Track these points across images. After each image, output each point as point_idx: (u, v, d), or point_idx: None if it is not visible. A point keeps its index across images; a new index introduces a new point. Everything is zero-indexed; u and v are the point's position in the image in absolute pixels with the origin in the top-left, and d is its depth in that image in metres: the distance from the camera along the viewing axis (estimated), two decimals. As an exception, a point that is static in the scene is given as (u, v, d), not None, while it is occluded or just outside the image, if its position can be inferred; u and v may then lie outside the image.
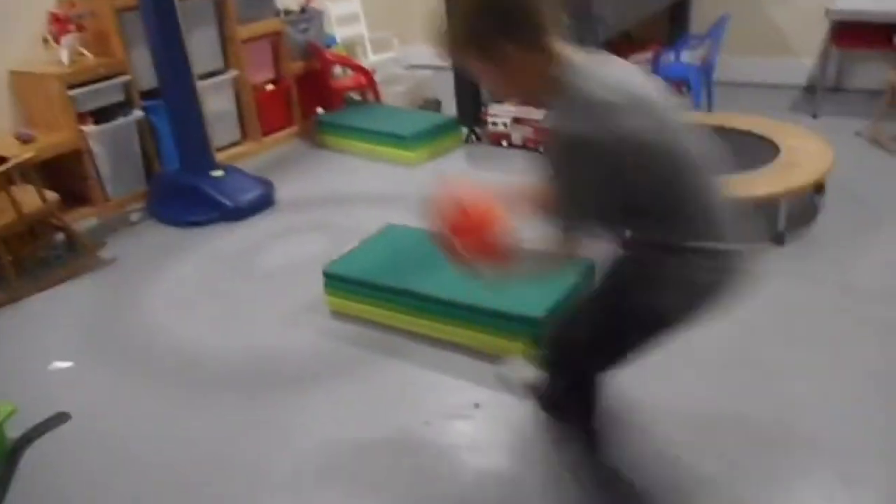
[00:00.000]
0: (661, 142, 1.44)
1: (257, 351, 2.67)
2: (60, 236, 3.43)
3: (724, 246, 1.52)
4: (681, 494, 1.89)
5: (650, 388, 2.13)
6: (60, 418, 2.38)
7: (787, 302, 2.63)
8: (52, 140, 3.59)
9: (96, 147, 3.71)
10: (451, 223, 1.57)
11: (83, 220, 3.64)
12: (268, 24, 4.52)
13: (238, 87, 4.43)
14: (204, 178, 3.74)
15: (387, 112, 4.79)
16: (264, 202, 3.79)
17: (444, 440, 2.16)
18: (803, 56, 4.79)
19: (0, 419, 2.19)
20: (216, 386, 2.50)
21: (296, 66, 4.72)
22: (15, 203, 2.99)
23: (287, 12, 4.77)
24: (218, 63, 4.33)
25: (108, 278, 3.26)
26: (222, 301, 3.02)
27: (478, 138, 4.45)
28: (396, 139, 4.26)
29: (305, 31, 4.78)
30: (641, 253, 1.56)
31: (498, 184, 1.69)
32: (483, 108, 4.39)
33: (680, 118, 1.53)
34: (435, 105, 5.08)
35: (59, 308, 3.04)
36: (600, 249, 1.62)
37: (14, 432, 2.28)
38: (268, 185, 3.91)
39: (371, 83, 4.89)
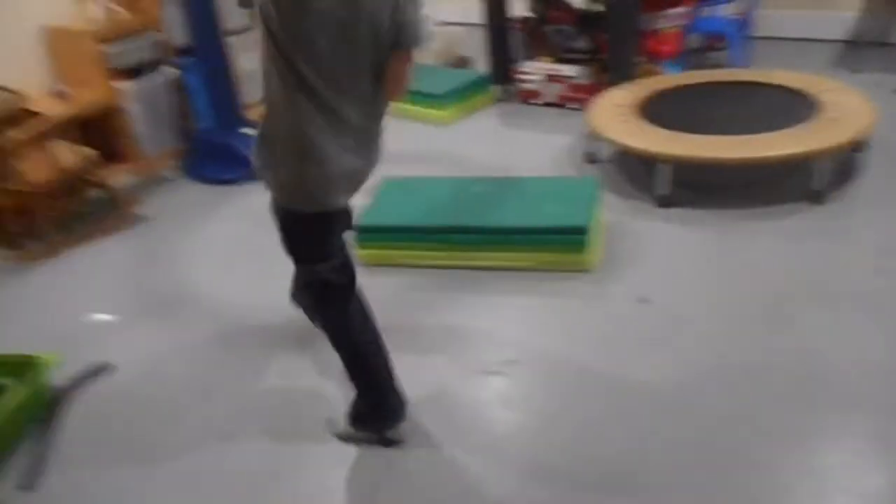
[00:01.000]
0: None
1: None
2: (97, 192, 3.49)
3: None
4: (709, 454, 1.91)
5: (673, 342, 2.15)
6: (104, 369, 2.45)
7: (823, 261, 2.60)
8: (86, 97, 3.62)
9: (131, 104, 3.74)
10: None
11: (119, 177, 3.70)
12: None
13: (268, 45, 4.41)
14: (236, 135, 3.77)
15: (418, 70, 4.73)
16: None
17: (480, 395, 2.20)
18: (845, 9, 4.63)
19: (44, 368, 2.27)
20: (255, 341, 2.55)
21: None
22: (54, 159, 3.04)
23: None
24: (245, 19, 4.31)
25: (144, 235, 3.33)
26: (257, 258, 3.04)
27: (509, 96, 4.41)
28: (428, 98, 4.23)
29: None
30: None
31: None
32: (514, 66, 4.34)
33: None
34: (465, 62, 5.02)
35: (97, 263, 3.11)
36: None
37: (58, 383, 2.37)
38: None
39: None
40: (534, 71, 4.23)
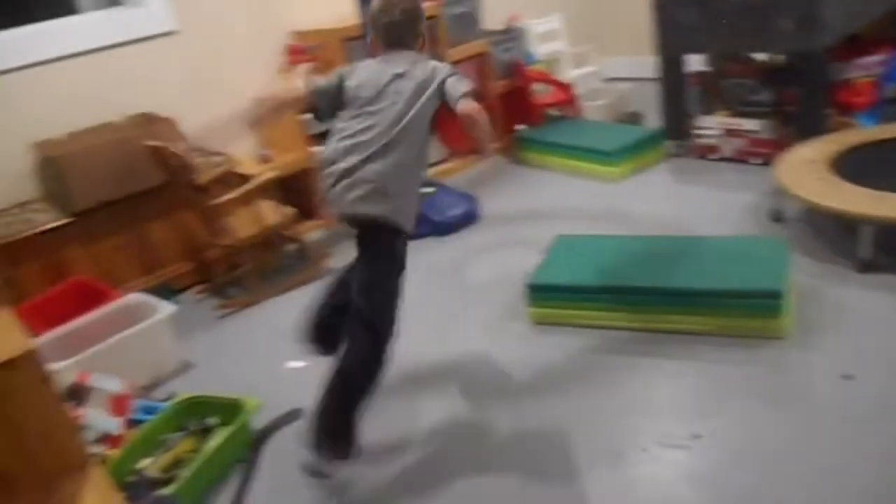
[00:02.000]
0: None
1: (466, 362, 2.77)
2: (293, 247, 3.80)
3: None
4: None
5: (884, 429, 1.94)
6: (294, 414, 2.63)
7: None
8: (286, 160, 3.99)
9: (322, 166, 4.07)
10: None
11: (311, 232, 4.01)
12: (474, 46, 4.71)
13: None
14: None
15: (588, 127, 4.78)
16: (470, 217, 3.94)
17: (661, 471, 2.10)
18: None
19: (247, 412, 2.47)
20: (427, 394, 2.63)
21: (499, 85, 4.86)
22: (259, 216, 3.37)
23: (491, 32, 4.93)
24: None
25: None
26: (436, 310, 3.17)
27: (684, 152, 4.31)
28: (599, 154, 4.24)
29: (508, 49, 4.92)
30: None
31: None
32: (690, 121, 4.25)
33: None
34: (636, 118, 4.99)
35: (292, 311, 3.37)
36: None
37: (256, 424, 2.57)
38: (473, 201, 4.06)
39: (571, 98, 4.90)
40: (711, 125, 4.11)
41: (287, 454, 2.44)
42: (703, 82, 4.30)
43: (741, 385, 2.35)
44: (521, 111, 4.93)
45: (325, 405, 2.16)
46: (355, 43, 4.00)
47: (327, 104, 2.35)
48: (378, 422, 2.52)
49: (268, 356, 3.05)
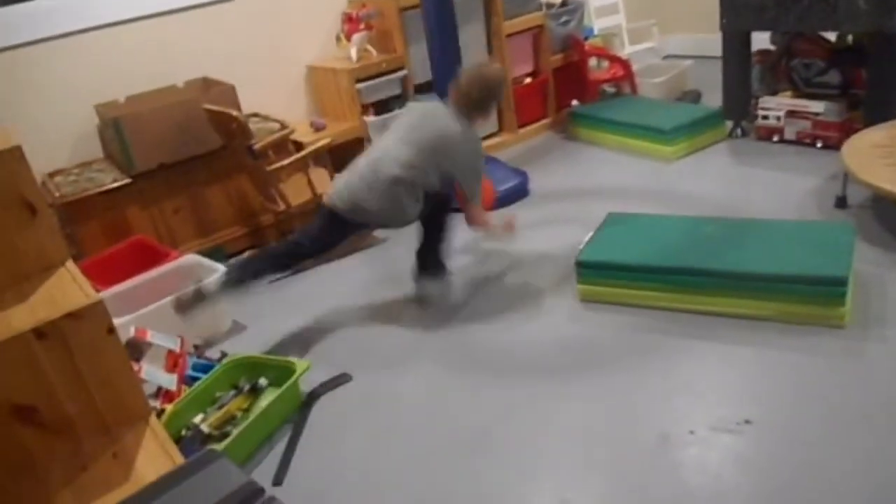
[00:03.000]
0: None
1: (516, 337, 2.77)
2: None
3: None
4: None
5: None
6: (344, 377, 2.68)
7: None
8: (339, 128, 4.02)
9: (374, 135, 4.09)
10: None
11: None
12: (531, 19, 4.63)
13: (499, 80, 4.59)
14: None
15: (643, 104, 4.68)
16: (520, 192, 3.91)
17: (709, 453, 2.08)
18: None
19: (298, 373, 2.52)
20: (479, 367, 2.64)
21: (554, 59, 4.79)
22: (311, 183, 3.40)
23: (549, 5, 4.85)
24: (483, 57, 4.53)
25: (382, 254, 3.60)
26: (484, 285, 3.17)
27: (744, 133, 4.19)
28: (654, 132, 4.15)
29: (566, 23, 4.83)
30: None
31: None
32: (753, 100, 4.12)
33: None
34: (695, 97, 4.87)
35: (341, 279, 3.41)
36: None
37: (307, 387, 2.62)
38: (523, 176, 4.02)
39: (628, 75, 4.80)
40: (774, 106, 3.98)
41: (335, 416, 2.49)
42: (768, 61, 4.16)
43: (796, 373, 2.30)
44: (576, 86, 4.85)
45: (420, 248, 3.04)
46: (412, 13, 3.98)
47: None
48: (426, 386, 2.56)
49: (318, 320, 3.09)
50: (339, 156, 3.92)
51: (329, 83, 4.13)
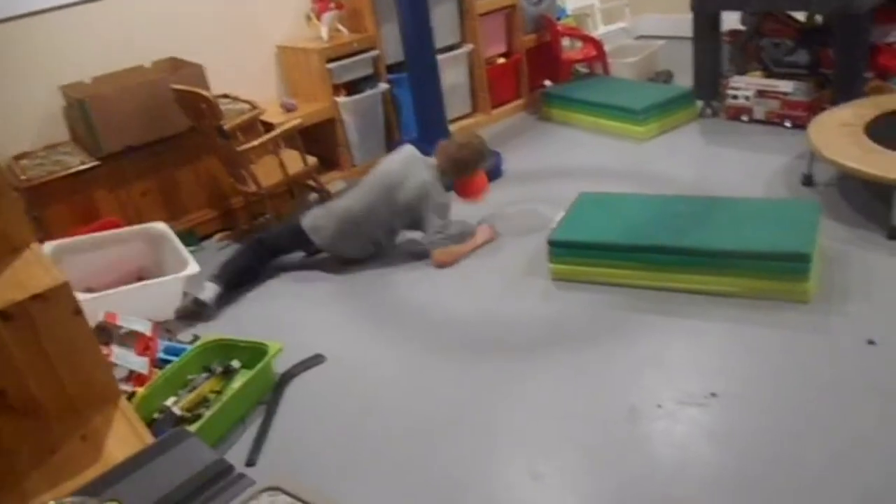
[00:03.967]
0: None
1: (489, 316, 2.79)
2: (314, 196, 3.81)
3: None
4: None
5: None
6: (317, 359, 2.68)
7: None
8: (311, 109, 3.98)
9: (346, 116, 4.06)
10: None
11: (333, 182, 4.01)
12: (504, -2, 4.62)
13: (472, 61, 4.58)
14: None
15: (615, 84, 4.70)
16: (494, 173, 3.91)
17: (675, 426, 2.12)
18: None
19: (270, 355, 2.51)
20: (452, 346, 2.66)
21: (527, 39, 4.78)
22: (282, 165, 3.37)
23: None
24: (455, 37, 4.51)
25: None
26: (457, 269, 3.17)
27: (714, 112, 4.23)
28: (625, 112, 4.18)
29: (538, 3, 4.82)
30: None
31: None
32: (723, 80, 4.16)
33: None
34: (666, 77, 4.90)
35: (311, 260, 3.40)
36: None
37: (280, 368, 2.62)
38: (496, 157, 4.02)
39: (600, 55, 4.81)
40: (744, 86, 4.02)
41: (308, 397, 2.49)
42: (737, 41, 4.19)
43: (762, 347, 2.35)
44: (548, 67, 4.86)
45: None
46: (383, -8, 3.94)
47: None
48: (399, 366, 2.57)
49: (289, 302, 3.08)
50: (311, 136, 3.90)
51: (300, 63, 4.09)
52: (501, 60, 4.79)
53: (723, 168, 3.62)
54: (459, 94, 4.61)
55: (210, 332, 2.86)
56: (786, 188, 3.30)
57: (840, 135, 3.07)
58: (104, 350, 2.47)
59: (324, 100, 4.00)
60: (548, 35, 4.83)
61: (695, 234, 2.69)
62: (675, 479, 1.93)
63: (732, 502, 1.84)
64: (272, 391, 2.52)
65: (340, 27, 4.06)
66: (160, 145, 3.45)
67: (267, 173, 3.43)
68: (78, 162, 3.27)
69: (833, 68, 3.69)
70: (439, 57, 3.98)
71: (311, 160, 3.53)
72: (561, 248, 2.88)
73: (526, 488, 1.99)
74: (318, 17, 4.00)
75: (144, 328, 2.65)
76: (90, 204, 3.35)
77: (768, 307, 2.50)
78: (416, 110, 4.01)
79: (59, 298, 1.59)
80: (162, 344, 2.70)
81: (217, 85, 3.63)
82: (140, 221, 3.46)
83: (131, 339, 2.60)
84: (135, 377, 2.49)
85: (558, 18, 5.00)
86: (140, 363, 2.52)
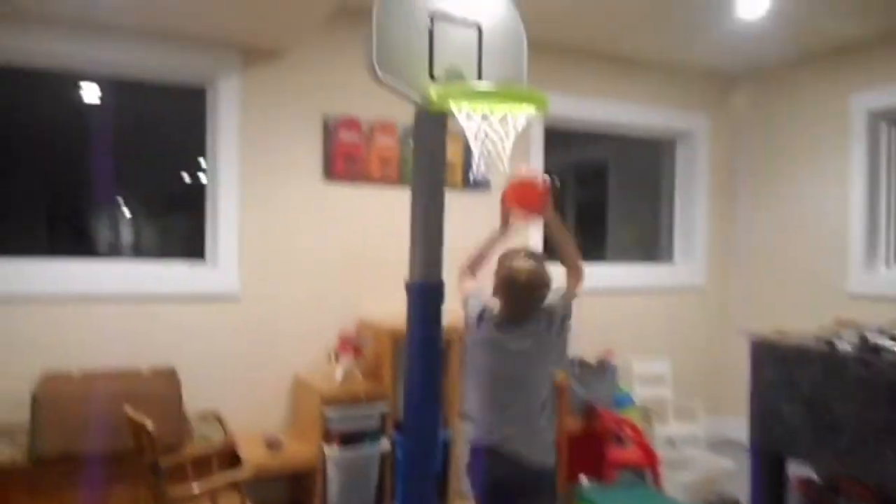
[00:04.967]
0: None
1: None
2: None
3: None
4: None
5: None
6: None
7: None
8: (295, 451, 3.58)
9: (332, 470, 3.59)
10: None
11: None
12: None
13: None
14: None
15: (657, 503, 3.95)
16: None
17: None
18: None
19: None
20: None
21: (571, 422, 4.27)
22: (215, 512, 2.89)
23: (582, 364, 4.46)
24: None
25: None
26: None
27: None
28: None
29: (587, 385, 4.39)
30: None
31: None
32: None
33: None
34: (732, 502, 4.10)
35: None
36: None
37: None
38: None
39: (653, 463, 4.16)
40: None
41: None
42: (809, 492, 3.45)
43: None
44: (592, 461, 4.24)
45: None
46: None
47: None
48: None
49: None
50: (293, 477, 3.45)
51: (305, 399, 3.81)
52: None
53: None
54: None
55: None
56: None
57: None
58: None
59: (312, 445, 3.60)
60: (594, 425, 4.30)
61: None
62: None
63: None
64: None
65: (357, 372, 3.81)
66: (104, 458, 3.12)
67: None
68: (6, 458, 2.99)
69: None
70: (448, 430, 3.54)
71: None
72: None
73: None
74: (337, 359, 3.79)
75: None
76: (8, 506, 2.99)
77: None
78: (404, 477, 3.47)
79: None
80: None
81: (216, 402, 3.41)
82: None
83: None
84: None
85: (621, 405, 4.49)
86: None
